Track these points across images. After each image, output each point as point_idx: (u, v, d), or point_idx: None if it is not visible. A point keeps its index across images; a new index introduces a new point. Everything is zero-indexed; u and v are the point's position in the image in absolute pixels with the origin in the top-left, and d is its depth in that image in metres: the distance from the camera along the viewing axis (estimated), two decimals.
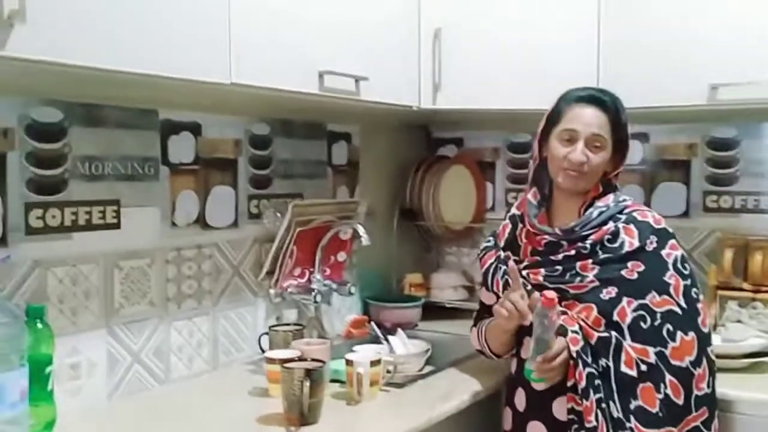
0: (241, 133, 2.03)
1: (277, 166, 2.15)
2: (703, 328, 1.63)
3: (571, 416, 1.60)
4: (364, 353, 1.78)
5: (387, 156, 2.61)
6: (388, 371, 1.78)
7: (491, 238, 1.88)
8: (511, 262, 1.74)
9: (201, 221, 1.92)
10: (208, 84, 1.51)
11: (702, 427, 1.61)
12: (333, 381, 1.79)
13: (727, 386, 1.79)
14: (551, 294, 1.58)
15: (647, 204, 2.44)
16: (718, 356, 1.92)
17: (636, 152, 2.46)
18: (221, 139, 1.97)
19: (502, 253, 1.82)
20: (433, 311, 2.55)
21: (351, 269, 2.43)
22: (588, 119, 1.67)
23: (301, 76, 1.71)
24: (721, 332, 2.06)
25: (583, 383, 1.56)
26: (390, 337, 2.16)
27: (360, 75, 1.85)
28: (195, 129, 1.90)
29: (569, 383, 1.59)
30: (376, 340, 2.12)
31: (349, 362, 1.70)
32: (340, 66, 1.79)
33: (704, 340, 1.63)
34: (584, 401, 1.56)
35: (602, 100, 1.69)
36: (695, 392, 1.59)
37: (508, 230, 1.84)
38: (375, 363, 1.71)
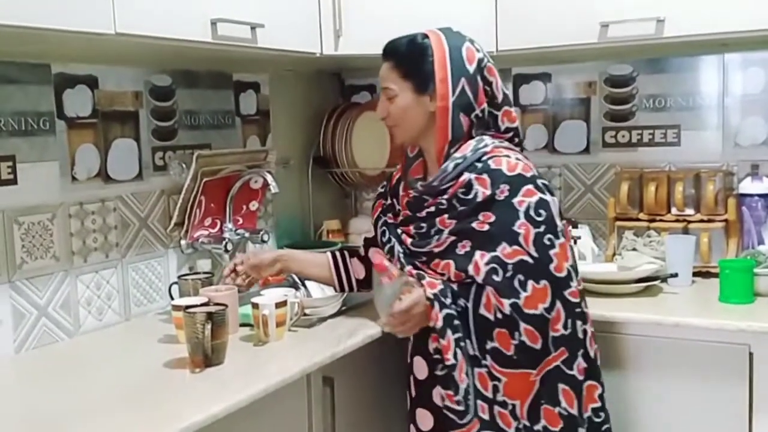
0: (140, 84, 2.02)
1: (182, 117, 2.14)
2: (557, 274, 1.59)
3: (436, 355, 1.63)
4: (270, 296, 1.82)
5: (300, 104, 2.62)
6: (304, 313, 1.84)
7: (385, 183, 1.89)
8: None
9: (103, 175, 1.92)
10: (93, 35, 1.50)
11: (563, 366, 1.61)
12: (244, 325, 1.84)
13: (621, 310, 1.91)
14: (377, 259, 1.66)
15: (551, 143, 2.53)
16: (613, 283, 2.05)
17: (539, 92, 2.53)
18: (120, 91, 1.96)
19: (387, 201, 1.84)
20: None
21: (267, 218, 2.47)
22: (380, 74, 1.74)
23: (193, 25, 1.70)
24: (617, 260, 2.17)
25: (439, 323, 1.58)
26: (307, 283, 2.21)
27: (255, 22, 1.85)
28: (91, 82, 1.88)
29: (430, 324, 1.61)
30: (293, 286, 2.16)
31: (255, 305, 1.75)
32: (234, 13, 1.78)
33: (559, 285, 1.60)
34: (442, 341, 1.59)
35: (384, 50, 1.74)
36: (552, 334, 1.59)
37: (398, 176, 1.85)
38: (280, 304, 1.75)
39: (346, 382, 1.75)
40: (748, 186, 2.21)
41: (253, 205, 2.30)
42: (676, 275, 2.06)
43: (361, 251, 1.95)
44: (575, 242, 2.28)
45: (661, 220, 2.27)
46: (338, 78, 2.83)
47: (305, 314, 1.88)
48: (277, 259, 1.94)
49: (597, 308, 1.93)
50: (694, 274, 2.12)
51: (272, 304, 1.73)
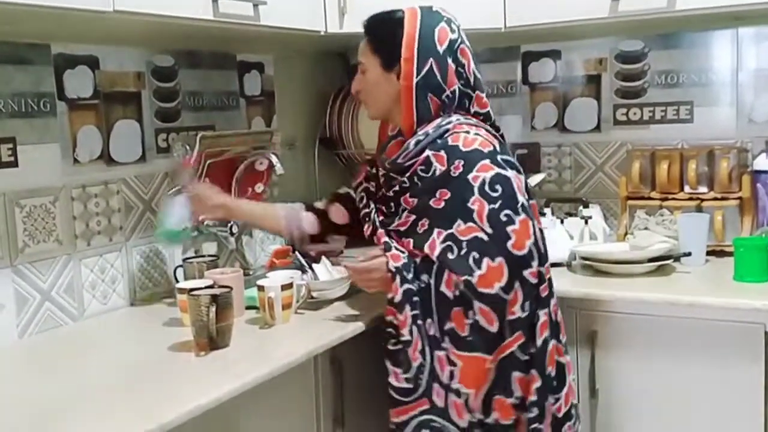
0: (142, 65, 1.99)
1: (185, 98, 2.11)
2: (515, 252, 1.54)
3: (389, 329, 1.60)
4: (276, 278, 1.79)
5: (305, 85, 2.59)
6: (311, 296, 1.82)
7: (374, 152, 1.86)
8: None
9: (105, 157, 1.89)
10: (91, 12, 1.47)
11: (518, 352, 1.56)
12: (250, 308, 1.82)
13: (634, 290, 1.88)
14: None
15: (561, 121, 2.49)
16: (625, 263, 2.01)
17: (548, 70, 2.49)
18: (121, 72, 1.93)
19: (372, 170, 1.82)
20: (361, 238, 2.57)
21: (273, 200, 2.43)
22: (359, 48, 1.73)
23: (193, 2, 1.66)
24: (629, 240, 2.14)
25: (398, 297, 1.57)
26: (314, 265, 2.18)
27: None
28: (92, 63, 1.85)
29: (389, 296, 1.60)
30: (300, 268, 2.13)
31: (260, 287, 1.72)
32: None
33: (517, 264, 1.55)
34: (399, 315, 1.57)
35: (363, 24, 1.73)
36: (508, 317, 1.55)
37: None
38: (286, 287, 1.73)
39: (354, 364, 1.72)
40: (762, 163, 2.16)
41: (259, 187, 2.27)
42: (689, 254, 2.02)
43: (320, 205, 1.94)
44: (586, 222, 2.25)
45: (673, 199, 2.23)
46: (343, 58, 2.78)
47: (312, 297, 1.85)
48: (222, 206, 1.88)
49: (608, 288, 1.91)
50: (708, 253, 2.09)
51: (278, 287, 1.71)
